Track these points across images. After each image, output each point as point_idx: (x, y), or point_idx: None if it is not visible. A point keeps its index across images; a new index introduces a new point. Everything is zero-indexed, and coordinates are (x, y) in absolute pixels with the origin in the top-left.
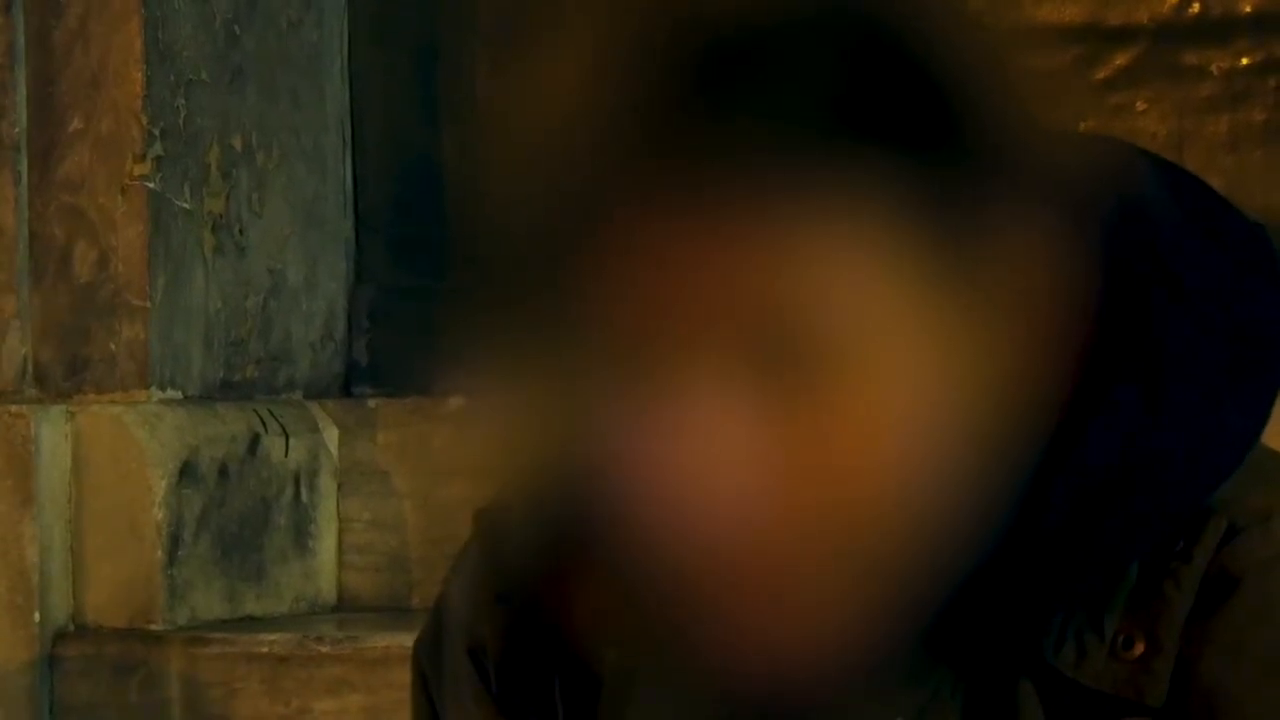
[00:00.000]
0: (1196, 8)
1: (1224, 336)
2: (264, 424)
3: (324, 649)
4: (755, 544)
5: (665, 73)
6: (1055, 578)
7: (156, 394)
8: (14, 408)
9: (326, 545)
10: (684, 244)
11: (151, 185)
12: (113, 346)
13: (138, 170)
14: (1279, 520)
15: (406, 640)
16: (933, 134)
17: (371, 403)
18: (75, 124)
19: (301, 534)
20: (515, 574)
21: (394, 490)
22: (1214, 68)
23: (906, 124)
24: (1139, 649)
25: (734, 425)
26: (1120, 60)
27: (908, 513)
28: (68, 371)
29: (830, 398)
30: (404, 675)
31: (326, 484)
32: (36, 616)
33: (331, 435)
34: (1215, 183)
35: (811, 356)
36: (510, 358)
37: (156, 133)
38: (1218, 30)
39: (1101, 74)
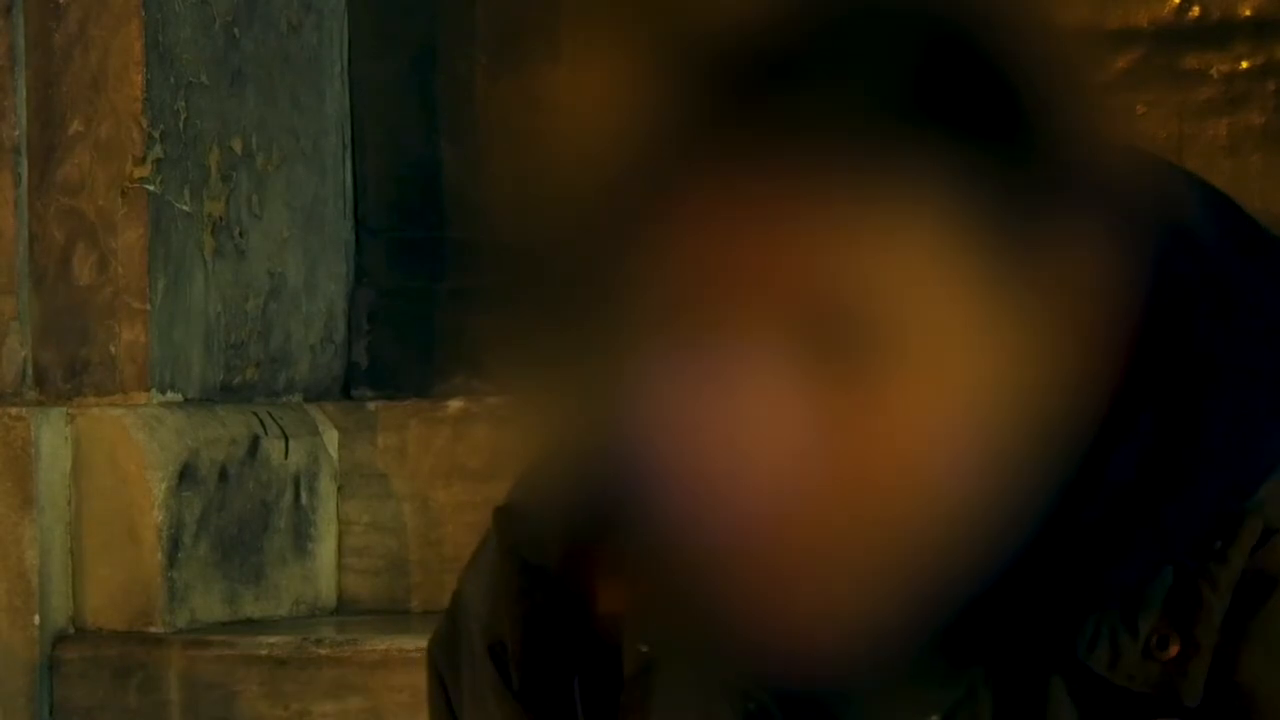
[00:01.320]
0: (1196, 11)
1: (1263, 345)
2: (264, 426)
3: (323, 651)
4: (793, 520)
5: (741, 49)
6: (1091, 576)
7: (156, 396)
8: (14, 410)
9: (326, 548)
10: (746, 218)
11: (151, 188)
12: (112, 349)
13: (138, 173)
14: None
15: (406, 643)
16: (1002, 130)
17: (371, 405)
18: (75, 126)
19: (301, 536)
20: (536, 570)
21: (393, 493)
22: (1213, 71)
23: (978, 117)
24: (1174, 649)
25: (780, 400)
26: (1120, 63)
27: (947, 502)
28: (67, 374)
29: (878, 381)
30: (404, 678)
31: (326, 486)
32: (36, 619)
33: (331, 438)
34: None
35: (864, 339)
36: (549, 345)
37: (156, 135)
38: (1217, 33)
39: (1100, 77)
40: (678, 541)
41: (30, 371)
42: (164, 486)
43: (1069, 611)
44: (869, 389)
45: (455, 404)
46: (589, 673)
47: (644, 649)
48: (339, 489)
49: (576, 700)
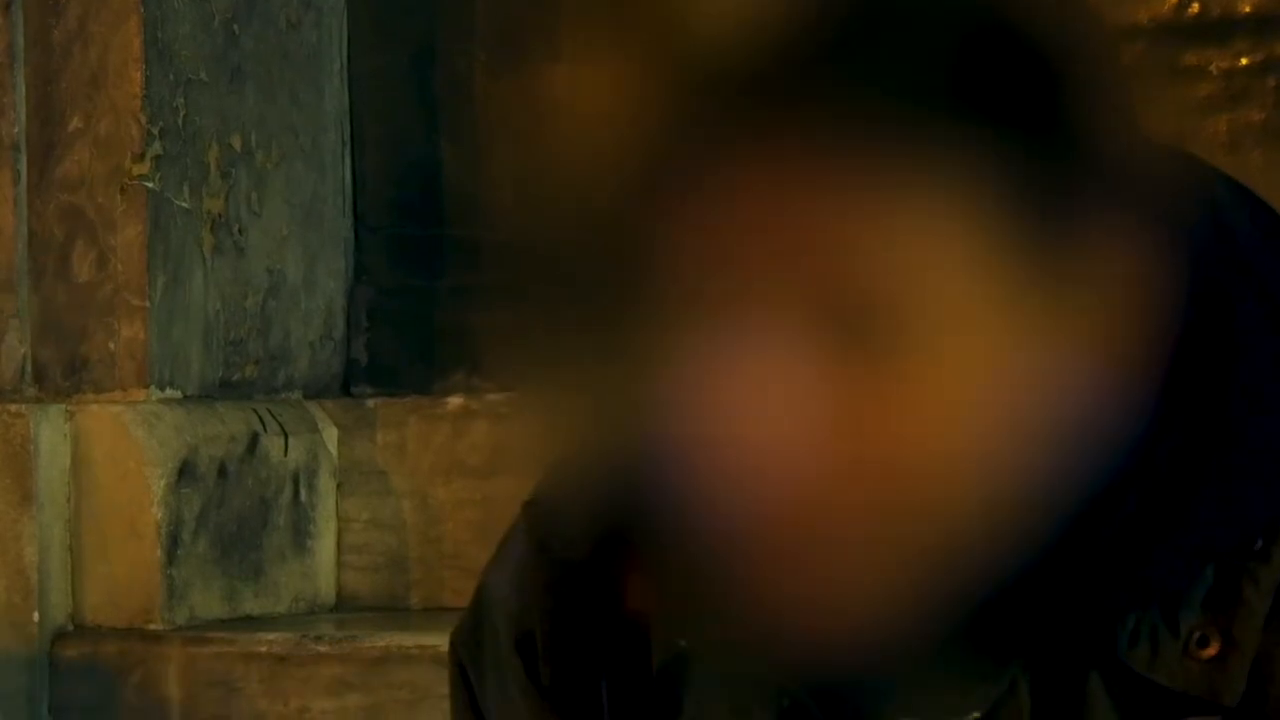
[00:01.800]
0: (1195, 8)
1: None
2: (263, 423)
3: (323, 648)
4: (817, 504)
5: (776, 32)
6: (1131, 573)
7: (155, 393)
8: (13, 407)
9: (325, 545)
10: (773, 203)
11: (150, 185)
12: (112, 346)
13: (137, 170)
14: None
15: (406, 640)
16: (1039, 121)
17: (370, 402)
18: (74, 123)
19: (300, 533)
20: (566, 564)
21: (393, 490)
22: (1213, 68)
23: (1015, 108)
24: (1214, 648)
25: (805, 384)
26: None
27: (974, 489)
28: (67, 371)
29: (903, 367)
30: (404, 674)
31: (325, 483)
32: (35, 616)
33: (330, 435)
34: None
35: (889, 325)
36: (560, 342)
37: (155, 132)
38: (1217, 30)
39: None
40: (705, 531)
41: (29, 368)
42: (163, 483)
43: (1109, 608)
44: (894, 375)
45: (454, 401)
46: (617, 667)
47: (681, 643)
48: (338, 486)
49: (604, 695)
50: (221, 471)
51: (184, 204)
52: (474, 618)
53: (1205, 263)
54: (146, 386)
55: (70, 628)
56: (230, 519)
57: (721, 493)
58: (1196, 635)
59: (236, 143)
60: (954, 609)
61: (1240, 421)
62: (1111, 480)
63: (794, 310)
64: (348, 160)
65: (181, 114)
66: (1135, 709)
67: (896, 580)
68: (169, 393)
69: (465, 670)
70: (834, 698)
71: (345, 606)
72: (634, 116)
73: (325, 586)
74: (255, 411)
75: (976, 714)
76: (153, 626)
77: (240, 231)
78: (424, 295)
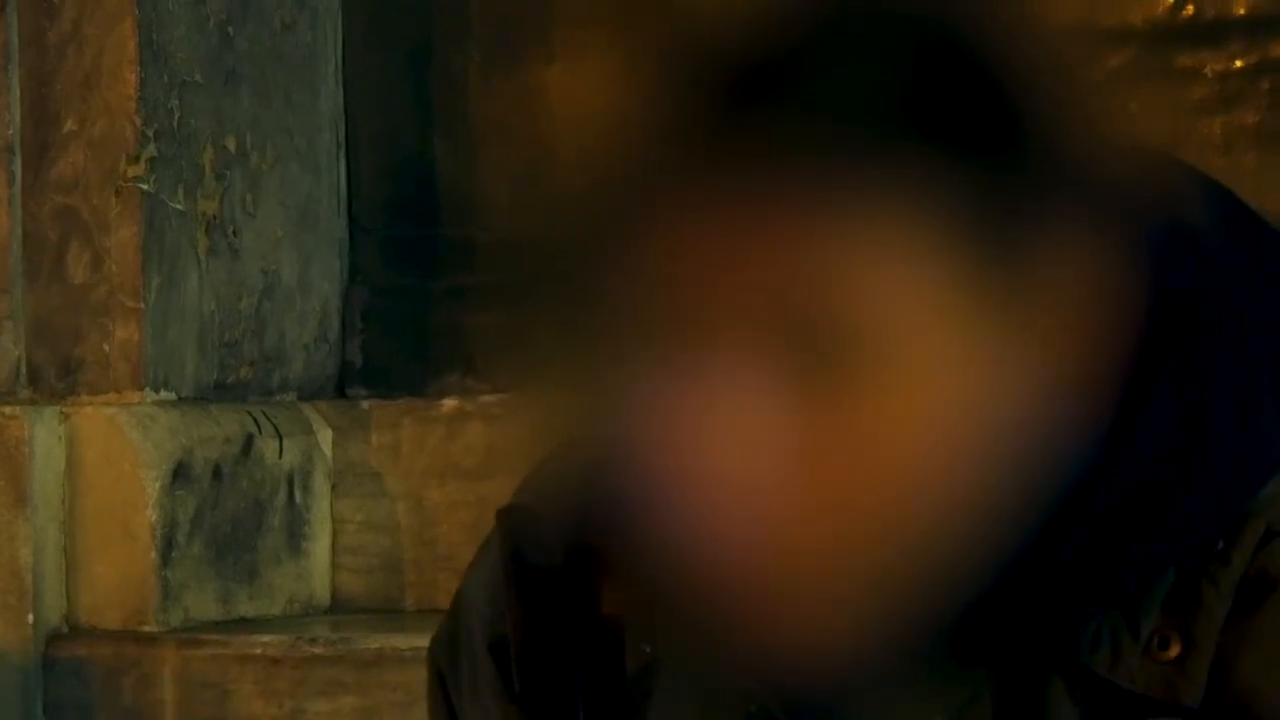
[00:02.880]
0: (1190, 10)
1: (1264, 347)
2: (258, 425)
3: (317, 650)
4: (781, 531)
5: (725, 62)
6: (1093, 579)
7: (150, 395)
8: (7, 409)
9: (320, 546)
10: (729, 231)
11: (145, 186)
12: (106, 347)
13: (131, 171)
14: None
15: (400, 641)
16: (992, 138)
17: (365, 404)
18: (69, 125)
19: (295, 535)
20: (539, 570)
21: (387, 491)
22: (1207, 70)
23: (966, 126)
24: (1175, 650)
25: (766, 414)
26: (1113, 62)
27: (937, 516)
28: (61, 372)
29: (864, 393)
30: (398, 676)
31: (320, 485)
32: (30, 618)
33: (325, 436)
34: None
35: (848, 351)
36: (550, 348)
37: (150, 134)
38: (1211, 32)
39: (1094, 76)
40: (670, 549)
41: (24, 370)
42: (158, 485)
43: (1071, 613)
44: (855, 401)
45: (449, 403)
46: (591, 673)
47: (646, 649)
48: (333, 488)
49: (578, 701)
50: (216, 473)
51: (179, 205)
52: (451, 623)
53: (1168, 265)
54: (141, 388)
55: (65, 629)
56: (225, 521)
57: (687, 520)
58: (1157, 637)
59: (231, 144)
60: (920, 626)
61: (1203, 427)
62: (1074, 489)
63: (756, 340)
64: (342, 161)
65: (176, 116)
66: (1098, 712)
67: (862, 600)
68: (163, 394)
69: (443, 675)
70: (800, 706)
71: (340, 608)
72: (600, 138)
73: (320, 588)
74: (250, 413)
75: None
76: (147, 628)
77: (235, 233)
78: (419, 296)
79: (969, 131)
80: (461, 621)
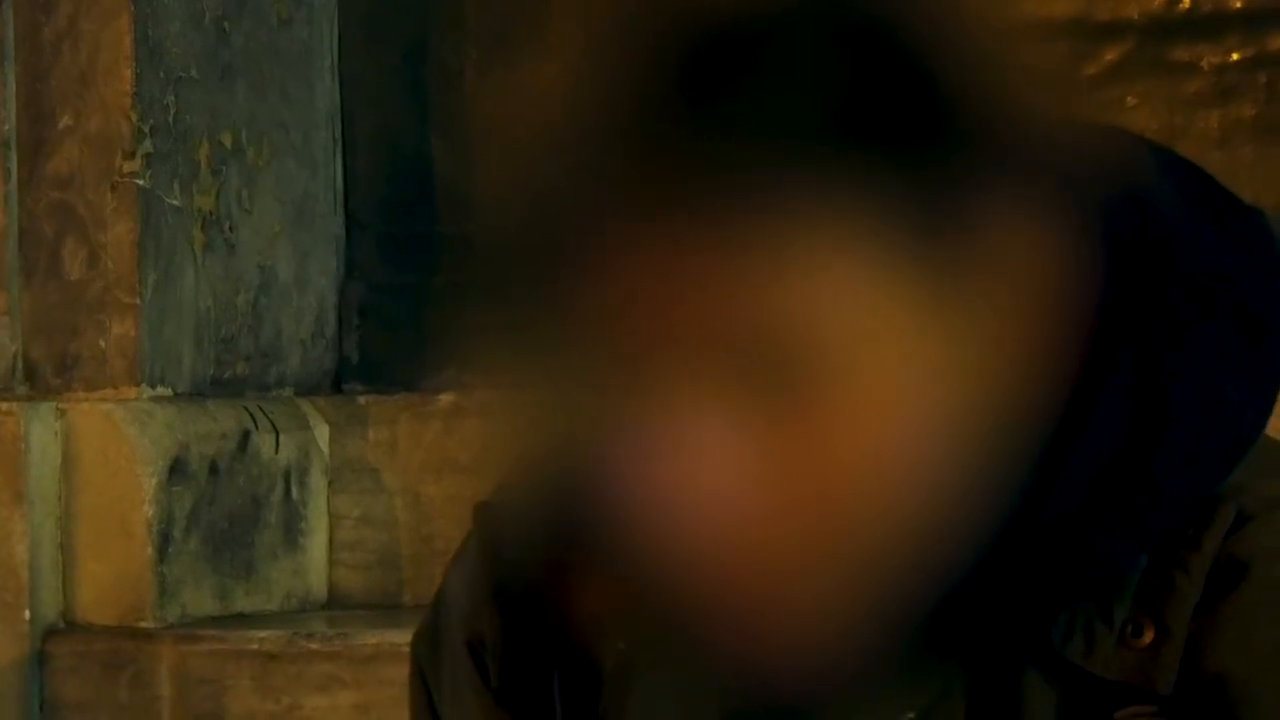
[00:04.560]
0: (1187, 3)
1: (1229, 323)
2: (254, 421)
3: (314, 646)
4: (746, 551)
5: (656, 83)
6: (1064, 567)
7: (147, 391)
8: (4, 405)
9: (317, 542)
10: (676, 255)
11: (141, 182)
12: (103, 343)
13: (127, 167)
14: None
15: (397, 637)
16: (925, 131)
17: (362, 399)
18: (65, 121)
19: (292, 531)
20: (515, 566)
21: (384, 487)
22: (1204, 63)
23: (899, 124)
24: (1148, 637)
25: (725, 436)
26: (1110, 56)
27: (902, 518)
28: (58, 368)
29: (817, 407)
30: (395, 672)
31: (317, 481)
32: (26, 614)
33: (322, 432)
34: None
35: (802, 368)
36: (512, 355)
37: (146, 130)
38: (1208, 26)
39: (1091, 70)
40: (639, 563)
41: (20, 366)
42: (154, 481)
43: (1044, 601)
44: (809, 416)
45: (446, 398)
46: (568, 670)
47: (621, 645)
48: (330, 483)
49: (555, 697)
50: (213, 469)
51: (175, 201)
52: (432, 619)
53: (1125, 242)
54: (138, 384)
55: (61, 625)
56: (222, 517)
57: (654, 531)
58: (1130, 625)
59: (227, 140)
60: (893, 622)
61: (1168, 407)
62: (1040, 474)
63: (707, 358)
64: (339, 157)
65: (172, 111)
66: (1073, 702)
67: (833, 601)
68: (160, 390)
69: (424, 670)
70: (777, 705)
71: (337, 604)
72: (547, 151)
73: (317, 584)
74: (247, 409)
75: (911, 715)
76: (144, 624)
77: (231, 229)
78: (416, 292)
79: (903, 128)
80: (442, 617)
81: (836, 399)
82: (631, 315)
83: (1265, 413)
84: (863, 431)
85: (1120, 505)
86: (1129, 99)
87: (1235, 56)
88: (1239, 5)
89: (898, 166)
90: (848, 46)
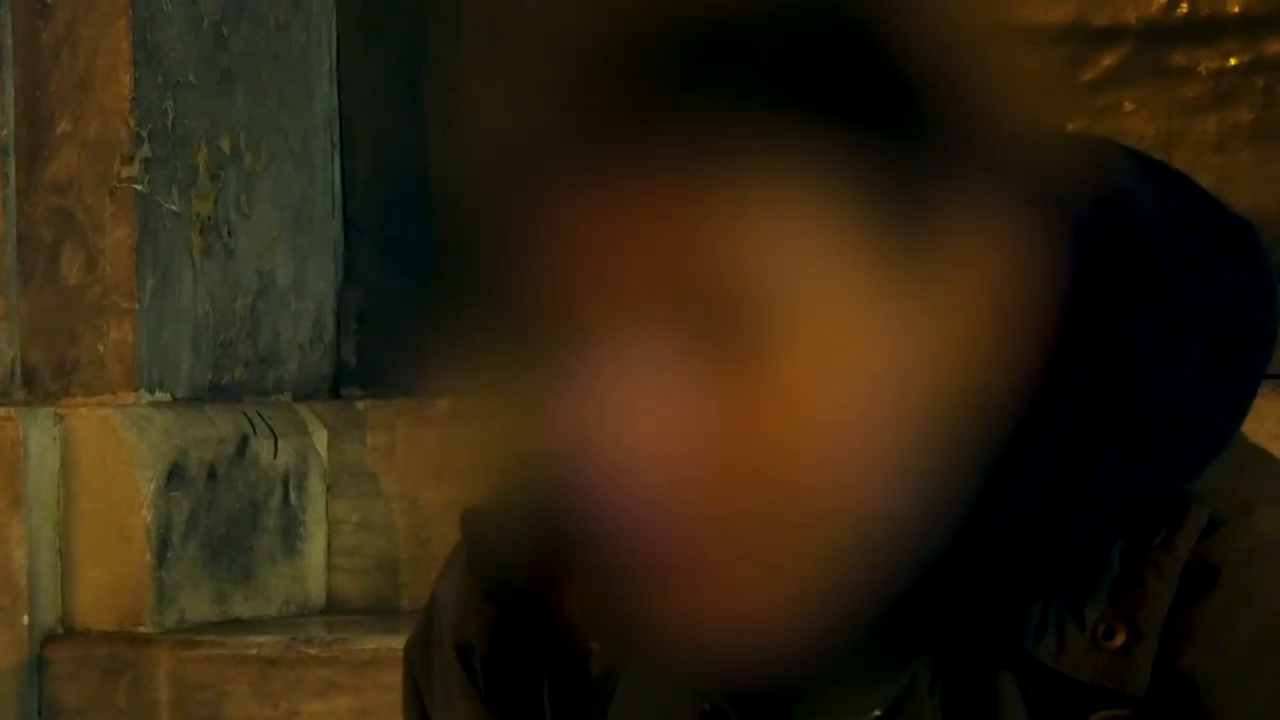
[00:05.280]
0: (1184, 8)
1: (1201, 328)
2: (252, 426)
3: (313, 651)
4: (695, 511)
5: (615, 40)
6: (1032, 564)
7: (145, 396)
8: (2, 410)
9: (315, 547)
10: (627, 208)
11: (139, 187)
12: (101, 348)
13: (126, 172)
14: (1261, 512)
15: (395, 642)
16: (889, 111)
17: (360, 404)
18: (63, 126)
19: (290, 536)
20: (502, 572)
21: (383, 492)
22: (1202, 68)
23: (860, 99)
24: (1120, 638)
25: (671, 393)
26: (1107, 61)
27: (853, 488)
28: (56, 373)
29: (767, 363)
30: (393, 677)
31: (315, 486)
32: (25, 619)
33: (320, 437)
34: (1203, 183)
35: (749, 326)
36: (483, 351)
37: (144, 135)
38: (1206, 30)
39: (1088, 75)
40: (605, 540)
41: (19, 371)
42: (152, 486)
43: (1015, 599)
44: (757, 372)
45: (444, 403)
46: (558, 676)
47: (594, 646)
48: (328, 488)
49: (545, 703)
50: (211, 474)
51: (173, 206)
52: (425, 624)
53: (1095, 245)
54: (136, 389)
55: (60, 630)
56: (220, 522)
57: (610, 503)
58: (1103, 626)
59: (225, 145)
60: (855, 612)
61: (1132, 407)
62: (1007, 465)
63: (660, 317)
64: (337, 162)
65: (170, 116)
66: (1046, 704)
67: (794, 587)
68: (158, 395)
69: (416, 677)
70: (749, 701)
71: (335, 609)
72: (514, 125)
73: (315, 589)
74: (245, 414)
75: (877, 711)
76: (142, 629)
77: (229, 234)
78: (414, 297)
79: (858, 103)
80: (433, 624)
81: (780, 353)
82: (584, 271)
83: (1237, 414)
84: (804, 394)
85: (1082, 503)
86: (1126, 104)
87: (1233, 61)
88: (1236, 10)
89: (859, 142)
90: (806, 17)
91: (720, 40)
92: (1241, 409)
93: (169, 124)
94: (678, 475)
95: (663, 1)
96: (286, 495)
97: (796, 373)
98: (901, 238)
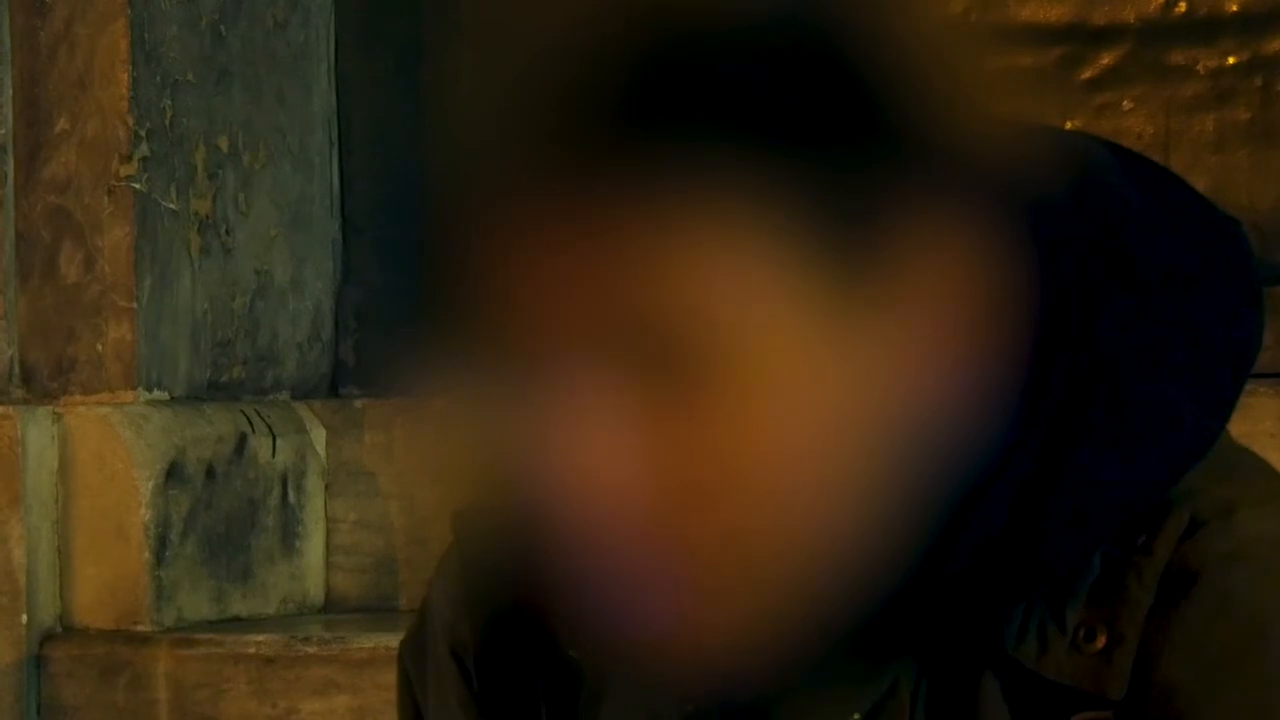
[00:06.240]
0: (1182, 7)
1: (1182, 329)
2: (251, 425)
3: (311, 650)
4: (645, 534)
5: (561, 75)
6: (1012, 569)
7: (143, 395)
8: (0, 409)
9: (313, 546)
10: (570, 242)
11: (138, 186)
12: (99, 347)
13: (124, 171)
14: (1241, 515)
15: (393, 641)
16: (849, 132)
17: (358, 403)
18: (61, 125)
19: (288, 535)
20: (493, 575)
21: (381, 491)
22: (1200, 67)
23: (820, 121)
24: (1100, 642)
25: (614, 428)
26: (1106, 60)
27: (803, 519)
28: (54, 372)
29: (710, 398)
30: (391, 676)
31: (313, 484)
32: (23, 618)
33: (319, 436)
34: (1201, 182)
35: (692, 361)
36: (461, 355)
37: (143, 133)
38: (1204, 29)
39: (1087, 74)
40: (563, 558)
41: (17, 370)
42: (151, 485)
43: (996, 603)
44: (701, 407)
45: (441, 402)
46: (550, 675)
47: (571, 653)
48: (326, 487)
49: (540, 704)
50: (209, 473)
51: (171, 205)
52: (419, 624)
53: (1065, 244)
54: (134, 388)
55: (58, 629)
56: (218, 520)
57: (561, 521)
58: (1083, 629)
59: (224, 144)
60: (822, 629)
61: (1108, 410)
62: (984, 471)
63: (604, 349)
64: (335, 161)
65: (168, 115)
66: (1028, 707)
67: (753, 608)
68: (156, 394)
69: (410, 676)
70: (732, 707)
71: (333, 608)
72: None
73: (313, 588)
74: (243, 413)
75: (857, 715)
76: (141, 628)
77: (228, 232)
78: (412, 296)
79: (824, 123)
80: (427, 625)
81: (724, 387)
82: (529, 305)
83: (1217, 417)
84: (753, 423)
85: (1062, 510)
86: (1125, 103)
87: (1231, 60)
88: (1234, 9)
89: (805, 167)
90: (775, 37)
91: (672, 71)
92: (1223, 412)
93: (167, 123)
94: (622, 501)
95: (621, 29)
96: (285, 494)
97: (741, 406)
98: (853, 269)
